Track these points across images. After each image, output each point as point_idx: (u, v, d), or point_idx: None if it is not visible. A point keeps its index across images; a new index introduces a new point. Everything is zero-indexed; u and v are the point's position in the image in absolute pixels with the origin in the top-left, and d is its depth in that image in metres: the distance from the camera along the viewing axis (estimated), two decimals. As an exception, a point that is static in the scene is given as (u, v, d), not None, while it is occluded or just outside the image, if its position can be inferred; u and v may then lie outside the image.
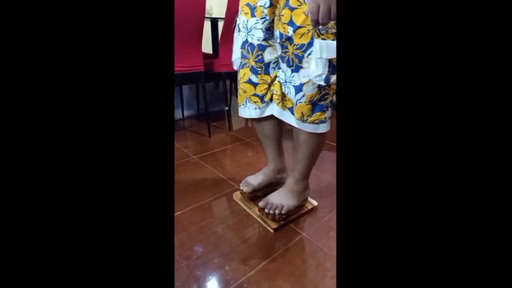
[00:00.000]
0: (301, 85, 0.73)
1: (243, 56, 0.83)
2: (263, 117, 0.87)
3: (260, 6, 0.73)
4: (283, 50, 0.73)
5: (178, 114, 1.99)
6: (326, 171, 1.25)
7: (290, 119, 0.81)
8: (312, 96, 0.74)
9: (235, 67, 0.87)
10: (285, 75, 0.76)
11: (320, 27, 0.63)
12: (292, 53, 0.71)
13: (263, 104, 0.84)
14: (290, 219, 0.91)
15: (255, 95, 0.84)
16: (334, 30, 0.66)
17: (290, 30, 0.68)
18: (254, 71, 0.81)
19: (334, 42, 0.66)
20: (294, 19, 0.67)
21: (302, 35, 0.67)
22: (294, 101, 0.76)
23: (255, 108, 0.86)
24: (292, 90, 0.76)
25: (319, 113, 0.76)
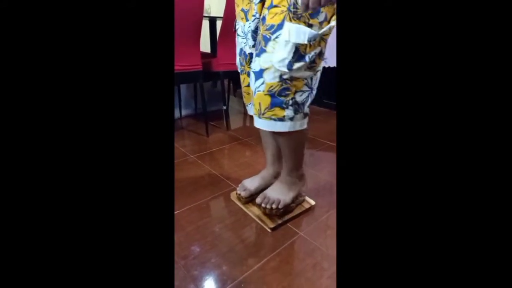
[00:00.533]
0: (261, 71, 0.70)
1: (240, 63, 0.86)
2: None
3: (253, 3, 0.73)
4: (258, 33, 0.73)
5: (176, 113, 1.99)
6: (324, 170, 1.25)
7: (251, 111, 0.82)
8: (271, 86, 0.70)
9: (239, 71, 0.90)
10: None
11: (293, 10, 0.62)
12: (261, 34, 0.70)
13: None
14: (288, 218, 0.92)
15: None
16: (307, 20, 0.64)
17: (266, 11, 0.68)
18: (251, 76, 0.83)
19: (306, 28, 0.64)
20: (273, 1, 0.66)
21: (275, 14, 0.66)
22: (253, 89, 0.73)
23: None
24: (252, 76, 0.73)
25: (277, 108, 0.72)
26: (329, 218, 0.94)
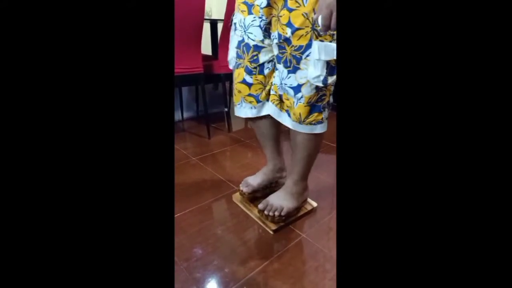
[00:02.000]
0: (299, 86, 0.74)
1: (238, 56, 0.82)
2: (259, 117, 0.88)
3: (257, 5, 0.72)
4: (281, 51, 0.73)
5: (177, 116, 1.99)
6: (325, 172, 1.25)
7: (286, 121, 0.82)
8: (310, 98, 0.74)
9: (231, 67, 0.88)
10: (281, 76, 0.76)
11: (319, 28, 0.63)
12: (290, 54, 0.71)
13: (259, 104, 0.85)
14: (290, 220, 0.91)
15: (250, 95, 0.84)
16: (332, 32, 0.66)
17: (288, 31, 0.68)
18: (248, 71, 0.81)
19: (333, 44, 0.66)
20: (292, 21, 0.67)
21: (301, 36, 0.68)
22: (295, 102, 0.76)
23: (251, 108, 0.86)
24: (291, 91, 0.76)
25: (316, 114, 0.77)
26: (331, 220, 0.94)
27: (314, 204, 1.00)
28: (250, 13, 0.75)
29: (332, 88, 0.77)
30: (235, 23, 0.81)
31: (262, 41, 0.76)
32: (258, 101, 0.84)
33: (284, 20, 0.68)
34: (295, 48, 0.70)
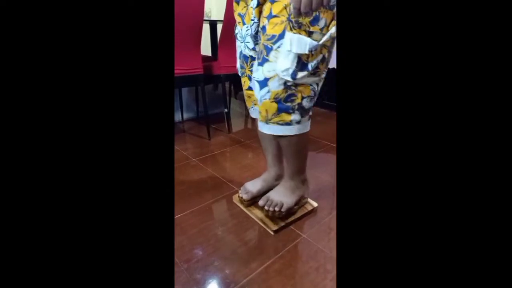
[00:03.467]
0: (266, 80, 0.71)
1: (241, 66, 0.87)
2: None
3: (251, 7, 0.74)
4: (258, 42, 0.74)
5: (177, 117, 1.99)
6: (325, 172, 1.25)
7: (258, 118, 0.82)
8: (277, 94, 0.71)
9: (239, 74, 0.92)
10: (253, 69, 0.76)
11: (294, 19, 0.63)
12: (262, 44, 0.70)
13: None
14: (290, 220, 0.91)
15: None
16: (307, 28, 0.64)
17: (266, 21, 0.69)
18: (251, 79, 0.85)
19: (307, 38, 0.64)
20: (272, 11, 0.67)
21: (275, 25, 0.67)
22: (258, 98, 0.74)
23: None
24: (257, 85, 0.73)
25: (284, 114, 0.74)
26: (331, 220, 0.94)
27: (315, 204, 1.00)
28: (243, 23, 0.78)
29: (306, 91, 0.72)
30: (236, 34, 0.85)
31: (254, 49, 0.79)
32: None
33: (266, 13, 0.69)
34: (268, 37, 0.68)
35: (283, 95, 0.71)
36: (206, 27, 1.82)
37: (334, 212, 0.98)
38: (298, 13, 0.58)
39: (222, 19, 1.55)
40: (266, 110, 0.74)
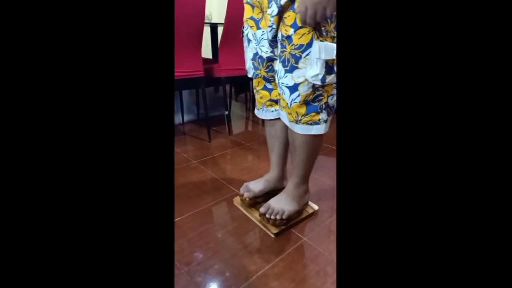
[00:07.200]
0: (296, 85, 0.75)
1: (255, 68, 0.88)
2: (277, 118, 0.91)
3: (268, 14, 0.74)
4: (281, 49, 0.75)
5: (178, 119, 2.00)
6: (326, 175, 1.25)
7: (285, 119, 0.83)
8: (306, 96, 0.75)
9: (249, 75, 0.93)
10: (278, 75, 0.78)
11: (322, 28, 0.68)
12: (289, 53, 0.73)
13: (279, 107, 0.88)
14: (291, 223, 0.91)
15: (270, 100, 0.89)
16: (333, 34, 0.69)
17: (291, 30, 0.70)
18: (267, 80, 0.87)
19: (332, 44, 0.68)
20: (298, 21, 0.69)
21: (302, 35, 0.69)
22: (289, 102, 0.78)
23: (272, 111, 0.91)
24: (287, 91, 0.77)
25: (313, 114, 0.77)
26: (332, 223, 0.94)
27: (315, 207, 1.00)
28: (258, 27, 0.80)
29: (330, 90, 0.77)
30: (247, 35, 0.86)
31: (272, 51, 0.81)
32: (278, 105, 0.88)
33: (289, 21, 0.70)
34: (296, 46, 0.71)
35: (312, 96, 0.76)
36: (207, 30, 1.82)
37: (335, 215, 0.97)
38: (304, 24, 0.64)
39: (223, 22, 1.56)
40: (296, 112, 0.78)
